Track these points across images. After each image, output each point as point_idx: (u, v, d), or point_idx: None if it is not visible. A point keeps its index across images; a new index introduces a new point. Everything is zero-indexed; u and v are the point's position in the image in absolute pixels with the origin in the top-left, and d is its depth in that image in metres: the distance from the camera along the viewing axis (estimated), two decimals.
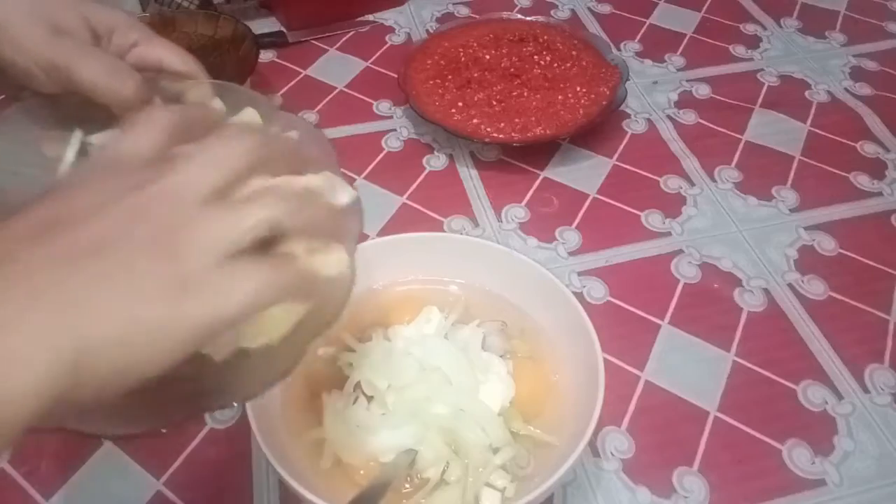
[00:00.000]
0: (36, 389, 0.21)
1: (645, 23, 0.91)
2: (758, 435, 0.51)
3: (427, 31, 0.88)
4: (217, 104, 0.43)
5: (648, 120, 0.77)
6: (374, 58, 0.85)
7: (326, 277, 0.28)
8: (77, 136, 0.49)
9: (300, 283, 0.27)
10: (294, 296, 0.27)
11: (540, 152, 0.72)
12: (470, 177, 0.70)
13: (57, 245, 0.23)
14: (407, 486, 0.44)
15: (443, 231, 0.64)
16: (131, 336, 0.23)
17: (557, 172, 0.71)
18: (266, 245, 0.27)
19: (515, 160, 0.72)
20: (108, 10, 0.48)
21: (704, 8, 0.93)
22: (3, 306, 0.22)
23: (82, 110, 0.49)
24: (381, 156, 0.72)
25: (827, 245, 0.64)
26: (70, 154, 0.49)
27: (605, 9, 0.93)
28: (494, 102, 0.72)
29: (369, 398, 0.47)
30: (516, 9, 0.92)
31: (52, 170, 0.50)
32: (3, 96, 0.66)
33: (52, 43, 0.43)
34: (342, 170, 0.54)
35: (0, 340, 0.21)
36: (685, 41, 0.88)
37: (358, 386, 0.47)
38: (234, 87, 0.53)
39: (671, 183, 0.70)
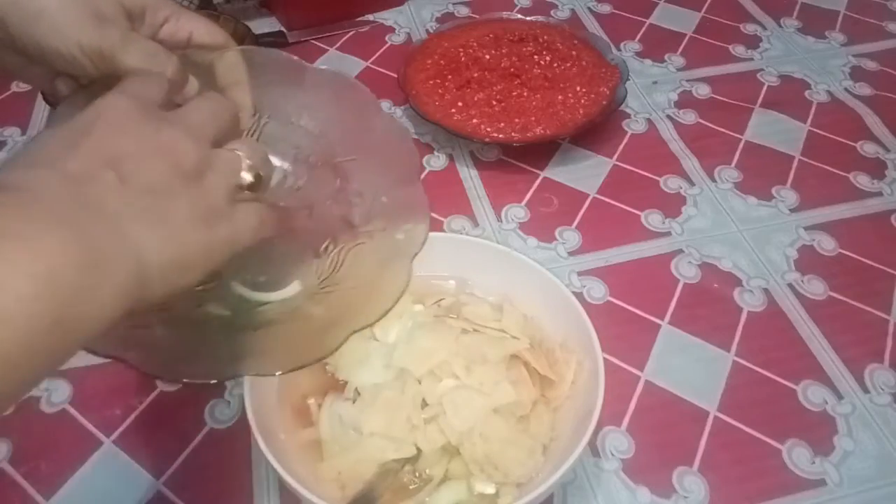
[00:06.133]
0: (121, 291, 0.27)
1: (645, 23, 0.91)
2: (758, 435, 0.51)
3: (427, 31, 0.88)
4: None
5: (648, 120, 0.77)
6: (374, 58, 0.85)
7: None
8: None
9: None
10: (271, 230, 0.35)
11: (540, 152, 0.72)
12: (470, 177, 0.70)
13: (124, 184, 0.29)
14: (415, 481, 0.44)
15: (442, 231, 0.64)
16: (178, 258, 0.30)
17: (557, 172, 0.71)
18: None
19: (515, 160, 0.72)
20: None
21: (704, 8, 0.93)
22: (95, 226, 0.27)
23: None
24: None
25: (827, 245, 0.64)
26: None
27: (605, 9, 0.93)
28: (494, 102, 0.72)
29: (364, 398, 0.46)
30: (516, 9, 0.92)
31: None
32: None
33: (97, 31, 0.45)
34: None
35: (96, 254, 0.27)
36: (685, 41, 0.88)
37: (354, 389, 0.47)
38: (261, 51, 0.54)
39: (671, 183, 0.70)
